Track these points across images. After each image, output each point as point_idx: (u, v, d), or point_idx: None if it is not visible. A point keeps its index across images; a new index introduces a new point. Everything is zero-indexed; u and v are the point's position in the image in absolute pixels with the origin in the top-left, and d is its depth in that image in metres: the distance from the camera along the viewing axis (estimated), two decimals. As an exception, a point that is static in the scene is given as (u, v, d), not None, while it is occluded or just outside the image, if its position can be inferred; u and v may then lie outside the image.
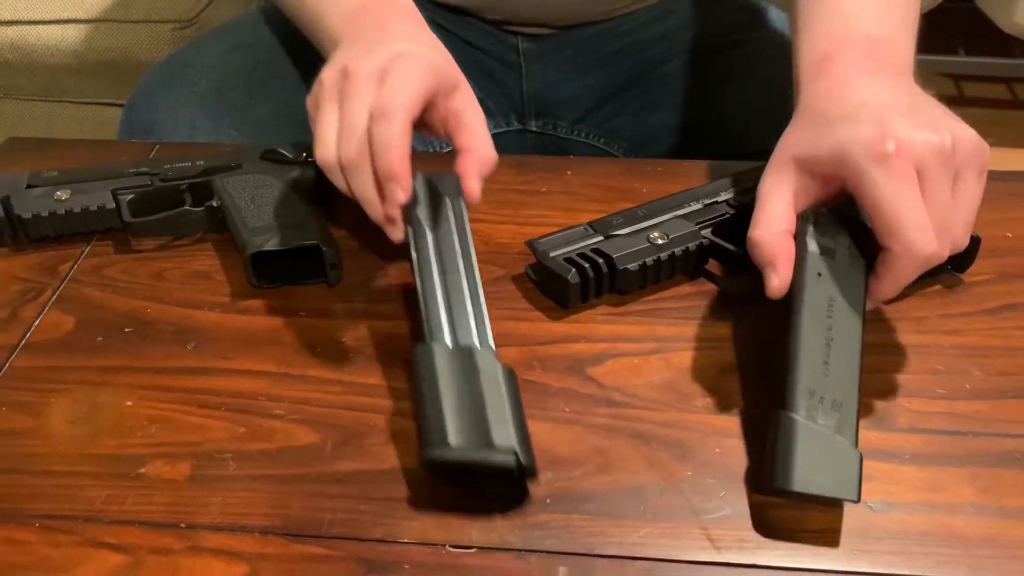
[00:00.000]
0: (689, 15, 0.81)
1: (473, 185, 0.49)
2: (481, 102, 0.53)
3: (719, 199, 0.59)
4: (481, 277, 0.50)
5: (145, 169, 0.62)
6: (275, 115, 0.75)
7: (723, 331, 0.53)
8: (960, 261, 0.56)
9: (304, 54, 0.66)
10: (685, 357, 0.52)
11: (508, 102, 0.84)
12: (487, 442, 0.42)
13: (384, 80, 0.48)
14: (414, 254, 0.50)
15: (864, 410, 0.47)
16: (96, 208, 0.60)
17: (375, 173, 0.47)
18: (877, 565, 0.41)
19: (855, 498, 0.41)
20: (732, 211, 0.58)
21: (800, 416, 0.42)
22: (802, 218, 0.49)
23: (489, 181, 0.55)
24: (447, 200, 0.52)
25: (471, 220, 0.53)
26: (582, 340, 0.53)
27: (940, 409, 0.48)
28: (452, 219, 0.51)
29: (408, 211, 0.51)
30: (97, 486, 0.45)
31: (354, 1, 0.59)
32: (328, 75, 0.51)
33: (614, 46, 0.81)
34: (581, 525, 0.43)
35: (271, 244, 0.54)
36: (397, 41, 0.51)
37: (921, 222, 0.43)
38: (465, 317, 0.47)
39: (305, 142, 0.67)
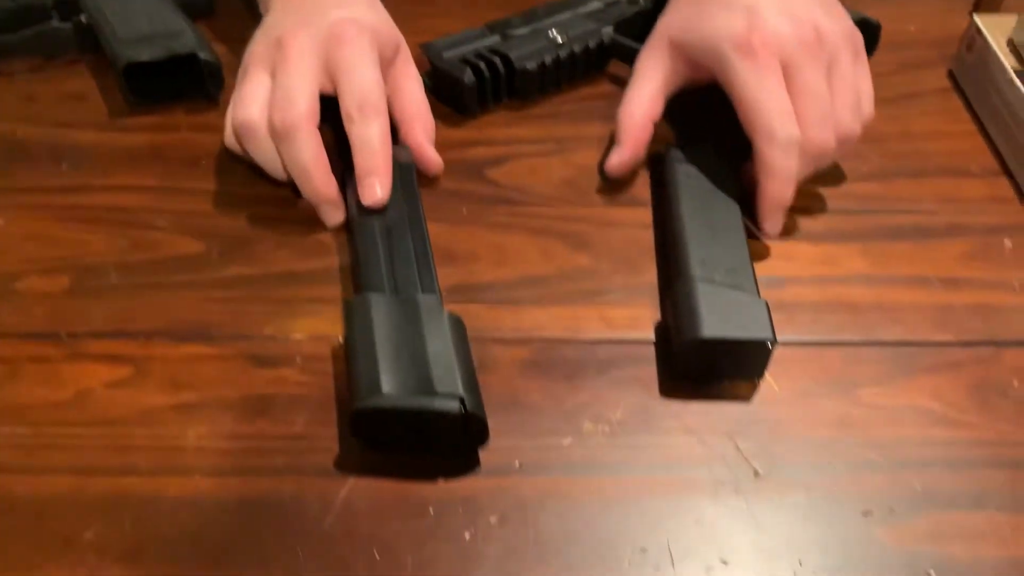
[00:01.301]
0: None
1: (433, 154, 0.49)
2: None
3: (620, -2, 0.57)
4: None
5: (6, -12, 0.57)
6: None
7: (624, 129, 0.52)
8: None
9: None
10: (584, 156, 0.51)
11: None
12: (428, 390, 0.36)
13: (339, 65, 0.45)
14: (354, 214, 0.44)
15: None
16: (-47, 30, 0.55)
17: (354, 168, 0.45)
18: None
19: (770, 336, 0.38)
20: (634, 9, 0.56)
21: (697, 276, 0.40)
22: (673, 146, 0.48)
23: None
24: (396, 169, 0.46)
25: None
26: (481, 144, 0.51)
27: (836, 192, 0.48)
28: (400, 187, 0.45)
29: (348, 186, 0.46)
30: (-31, 303, 0.43)
31: None
32: (259, 46, 0.47)
33: None
34: (478, 313, 0.42)
35: (145, 55, 0.51)
36: (332, 8, 0.47)
37: (781, 109, 0.42)
38: (409, 269, 0.41)
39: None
